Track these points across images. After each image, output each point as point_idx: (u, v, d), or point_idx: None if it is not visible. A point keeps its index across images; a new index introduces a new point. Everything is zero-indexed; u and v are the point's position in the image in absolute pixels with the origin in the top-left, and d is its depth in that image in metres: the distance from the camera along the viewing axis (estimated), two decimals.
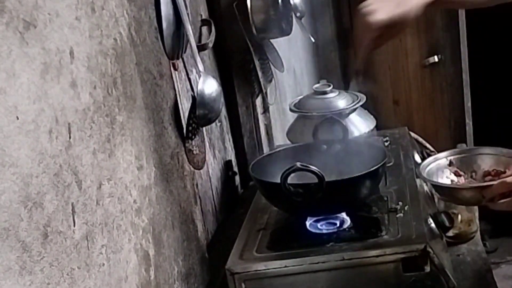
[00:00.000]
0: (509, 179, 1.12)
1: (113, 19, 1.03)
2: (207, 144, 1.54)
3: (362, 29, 1.22)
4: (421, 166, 1.30)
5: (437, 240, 1.24)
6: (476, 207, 1.51)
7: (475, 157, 1.31)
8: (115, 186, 0.97)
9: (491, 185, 1.13)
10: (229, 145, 1.84)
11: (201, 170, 1.47)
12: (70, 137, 0.83)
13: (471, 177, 1.29)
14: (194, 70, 1.40)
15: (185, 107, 1.37)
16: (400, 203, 1.33)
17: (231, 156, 1.85)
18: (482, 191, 1.15)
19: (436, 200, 1.49)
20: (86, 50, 0.91)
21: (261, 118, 2.03)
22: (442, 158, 1.32)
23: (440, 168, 1.31)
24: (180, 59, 1.33)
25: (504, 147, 1.29)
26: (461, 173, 1.30)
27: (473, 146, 1.32)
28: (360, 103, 1.69)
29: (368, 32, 1.21)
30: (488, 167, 1.27)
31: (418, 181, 1.46)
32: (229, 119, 1.86)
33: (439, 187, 1.24)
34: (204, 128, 1.45)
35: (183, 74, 1.38)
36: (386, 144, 1.69)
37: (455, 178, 1.28)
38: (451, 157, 1.32)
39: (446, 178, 1.29)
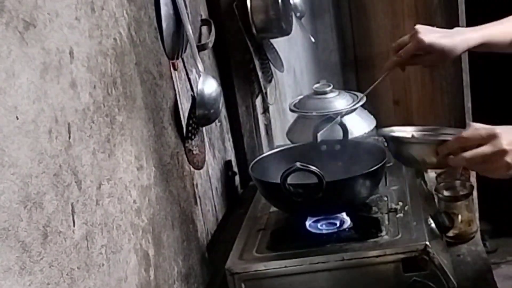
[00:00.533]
0: (465, 134, 1.12)
1: (113, 19, 1.03)
2: (207, 144, 1.54)
3: (410, 44, 1.33)
4: (383, 128, 1.32)
5: (437, 240, 1.24)
6: (476, 207, 1.51)
7: (437, 136, 1.31)
8: (115, 186, 0.97)
9: (446, 141, 1.15)
10: (229, 145, 1.84)
11: (201, 170, 1.47)
12: (69, 137, 0.83)
13: None
14: (194, 70, 1.40)
15: (185, 107, 1.37)
16: (400, 203, 1.33)
17: (231, 156, 1.84)
18: (437, 147, 1.15)
19: (436, 200, 1.49)
20: (85, 50, 0.91)
21: (261, 118, 2.03)
22: (404, 132, 1.33)
23: None
24: (180, 59, 1.33)
25: None
26: None
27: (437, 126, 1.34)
28: (360, 103, 1.69)
29: (409, 46, 1.32)
30: None
31: (418, 181, 1.46)
32: (229, 119, 1.86)
33: (395, 141, 1.25)
34: (204, 128, 1.45)
35: (183, 74, 1.38)
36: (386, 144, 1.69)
37: None
38: (414, 132, 1.32)
39: None
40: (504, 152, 1.09)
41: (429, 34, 1.32)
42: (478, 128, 1.12)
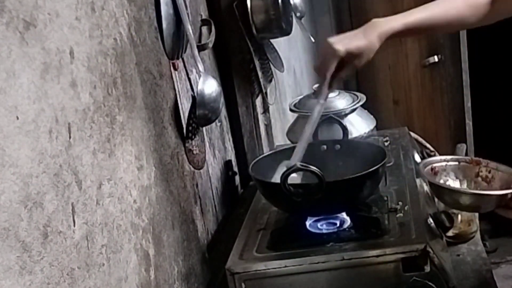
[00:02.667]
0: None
1: (113, 19, 1.03)
2: (207, 144, 1.54)
3: (323, 59, 1.29)
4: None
5: (437, 240, 1.24)
6: None
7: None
8: (115, 186, 0.97)
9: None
10: (229, 145, 1.84)
11: (201, 170, 1.47)
12: (70, 137, 0.84)
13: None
14: (194, 70, 1.40)
15: (185, 107, 1.37)
16: (400, 203, 1.33)
17: (231, 156, 1.85)
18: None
19: (436, 200, 1.49)
20: (86, 50, 0.91)
21: (261, 118, 2.03)
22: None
23: None
24: (180, 59, 1.33)
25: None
26: None
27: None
28: (360, 103, 1.69)
29: (328, 61, 1.27)
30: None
31: (418, 181, 1.46)
32: (229, 119, 1.86)
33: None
34: (204, 128, 1.45)
35: (183, 74, 1.38)
36: (386, 144, 1.69)
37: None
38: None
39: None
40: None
41: (342, 41, 1.27)
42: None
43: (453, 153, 1.66)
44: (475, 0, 1.33)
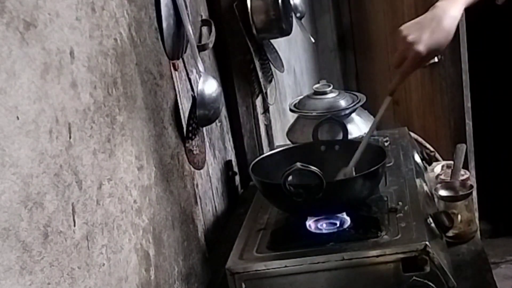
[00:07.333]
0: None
1: (114, 19, 1.03)
2: (207, 144, 1.54)
3: (401, 58, 1.28)
4: None
5: (437, 240, 1.24)
6: (476, 207, 1.51)
7: None
8: (116, 186, 0.97)
9: None
10: (229, 145, 1.84)
11: (201, 170, 1.48)
12: (70, 137, 0.84)
13: None
14: (194, 70, 1.40)
15: (185, 107, 1.38)
16: (400, 203, 1.33)
17: (231, 156, 1.85)
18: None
19: (436, 200, 1.49)
20: (86, 50, 0.91)
21: (261, 118, 2.03)
22: None
23: None
24: (180, 59, 1.33)
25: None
26: None
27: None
28: (360, 103, 1.69)
29: (409, 63, 1.27)
30: None
31: (418, 181, 1.46)
32: (229, 119, 1.86)
33: None
34: (204, 128, 1.45)
35: (183, 74, 1.38)
36: (386, 144, 1.69)
37: None
38: None
39: None
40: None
41: (422, 38, 1.24)
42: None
43: (453, 153, 1.65)
44: None
